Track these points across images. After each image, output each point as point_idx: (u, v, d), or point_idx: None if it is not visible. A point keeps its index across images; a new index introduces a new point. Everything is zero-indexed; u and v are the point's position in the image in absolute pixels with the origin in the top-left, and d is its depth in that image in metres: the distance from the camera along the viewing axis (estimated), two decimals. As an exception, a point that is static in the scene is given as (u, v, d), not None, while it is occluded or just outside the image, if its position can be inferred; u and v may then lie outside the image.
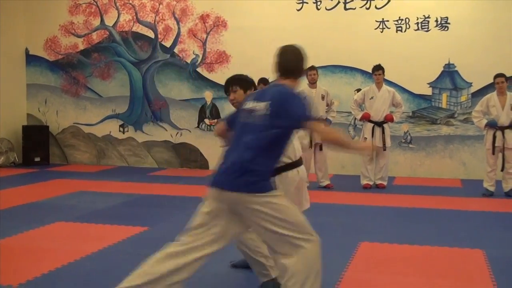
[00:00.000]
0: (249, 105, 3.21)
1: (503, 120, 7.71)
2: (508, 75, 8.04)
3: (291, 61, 3.32)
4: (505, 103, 7.71)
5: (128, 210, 6.93)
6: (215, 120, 10.76)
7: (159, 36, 11.06)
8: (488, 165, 7.92)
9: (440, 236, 5.56)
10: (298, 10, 10.25)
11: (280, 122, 3.03)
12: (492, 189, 7.89)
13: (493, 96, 7.85)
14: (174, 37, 10.99)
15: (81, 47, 11.42)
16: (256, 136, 3.05)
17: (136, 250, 5.03)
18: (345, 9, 10.05)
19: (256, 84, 8.31)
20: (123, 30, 11.18)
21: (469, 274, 4.38)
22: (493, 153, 7.82)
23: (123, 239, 5.35)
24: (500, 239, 5.49)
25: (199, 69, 10.88)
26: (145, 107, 11.18)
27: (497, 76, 7.79)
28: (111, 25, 11.23)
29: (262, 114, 3.07)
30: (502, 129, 7.72)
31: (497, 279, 4.21)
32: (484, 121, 7.82)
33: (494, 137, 7.76)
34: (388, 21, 9.91)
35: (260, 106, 3.11)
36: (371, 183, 8.63)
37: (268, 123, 3.04)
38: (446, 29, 9.68)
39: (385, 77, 8.55)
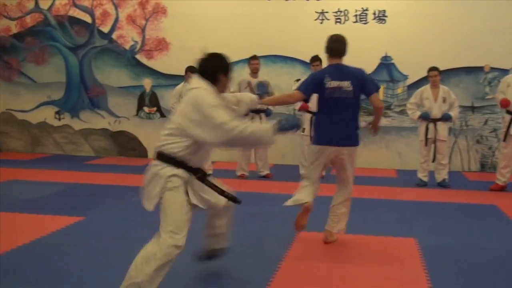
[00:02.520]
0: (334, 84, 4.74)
1: (435, 113, 7.94)
2: (441, 68, 8.28)
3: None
4: (438, 96, 7.93)
5: (63, 199, 6.74)
6: (154, 108, 10.62)
7: (96, 21, 10.79)
8: (421, 156, 8.16)
9: (375, 225, 5.69)
10: (239, -1, 10.23)
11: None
12: (425, 179, 8.13)
13: (426, 88, 8.07)
14: (112, 23, 10.74)
15: (14, 30, 10.99)
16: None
17: (71, 240, 4.92)
18: (286, -1, 10.11)
19: (184, 72, 8.37)
20: (59, 14, 10.82)
21: (402, 262, 4.52)
22: (426, 145, 8.05)
23: (57, 229, 5.22)
24: (432, 228, 5.67)
25: (138, 56, 10.68)
26: (82, 94, 10.90)
27: (431, 69, 8.01)
28: (46, 8, 10.85)
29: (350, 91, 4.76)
30: (435, 121, 7.96)
31: (428, 266, 4.37)
32: (418, 113, 8.02)
33: (427, 129, 8.00)
34: (327, 12, 10.01)
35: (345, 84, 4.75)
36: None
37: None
38: (383, 22, 9.88)
39: (325, 68, 8.60)
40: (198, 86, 3.51)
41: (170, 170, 3.39)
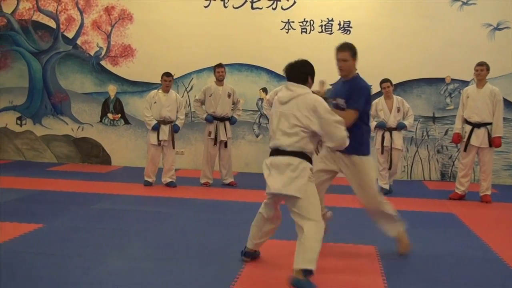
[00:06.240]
0: None
1: (391, 122, 8.16)
2: (404, 79, 8.45)
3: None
4: (392, 107, 8.13)
5: (23, 206, 6.62)
6: (119, 115, 10.53)
7: (61, 26, 10.68)
8: (379, 164, 8.30)
9: (336, 233, 5.70)
10: (205, 7, 10.23)
11: None
12: (386, 186, 8.25)
13: (381, 100, 8.25)
14: (77, 28, 10.65)
15: (-24, 34, 10.84)
16: None
17: (30, 247, 4.84)
18: (252, 8, 10.16)
19: (160, 77, 8.26)
20: (23, 18, 10.69)
21: (361, 269, 4.59)
22: (382, 153, 8.22)
23: (15, 237, 5.13)
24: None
25: (102, 62, 10.61)
26: (44, 100, 10.76)
27: (383, 81, 8.21)
28: (9, 12, 10.71)
29: None
30: (390, 130, 8.16)
31: (386, 273, 4.44)
32: (374, 123, 8.17)
33: (383, 137, 8.18)
34: (293, 22, 10.11)
35: None
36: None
37: None
38: (348, 32, 10.03)
39: (289, 77, 8.65)
40: (307, 91, 4.21)
41: (308, 164, 4.11)
